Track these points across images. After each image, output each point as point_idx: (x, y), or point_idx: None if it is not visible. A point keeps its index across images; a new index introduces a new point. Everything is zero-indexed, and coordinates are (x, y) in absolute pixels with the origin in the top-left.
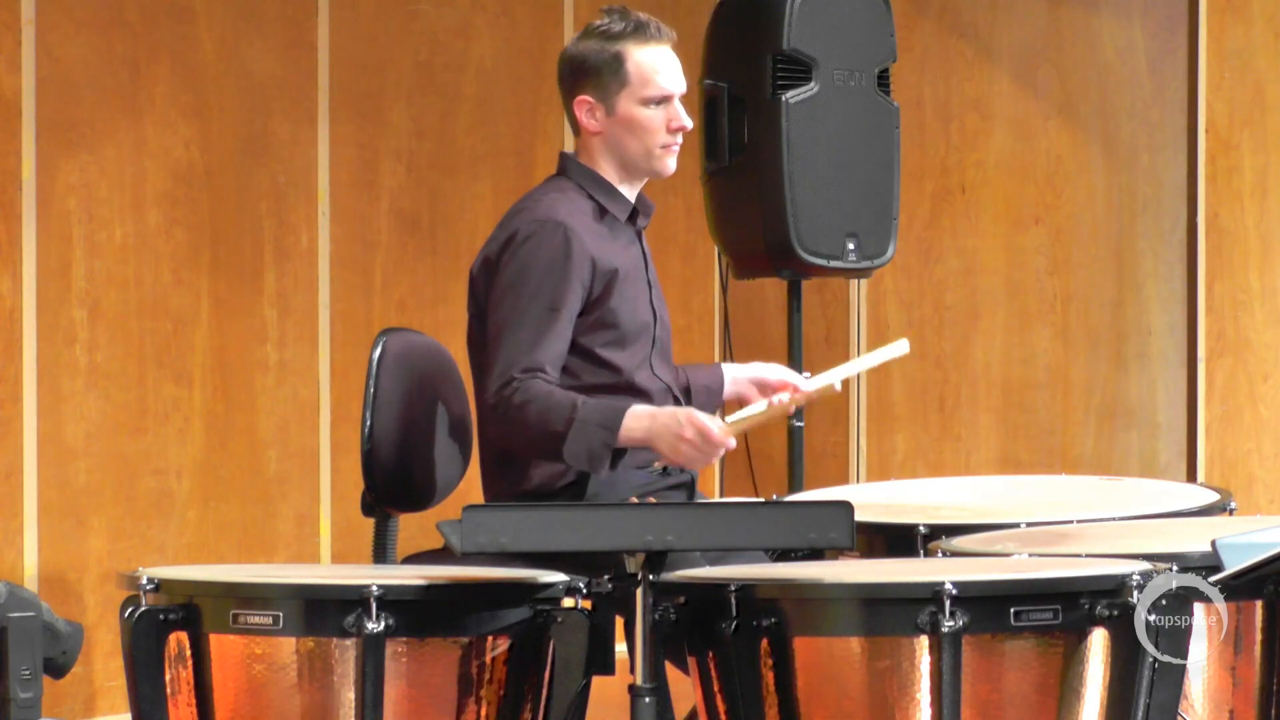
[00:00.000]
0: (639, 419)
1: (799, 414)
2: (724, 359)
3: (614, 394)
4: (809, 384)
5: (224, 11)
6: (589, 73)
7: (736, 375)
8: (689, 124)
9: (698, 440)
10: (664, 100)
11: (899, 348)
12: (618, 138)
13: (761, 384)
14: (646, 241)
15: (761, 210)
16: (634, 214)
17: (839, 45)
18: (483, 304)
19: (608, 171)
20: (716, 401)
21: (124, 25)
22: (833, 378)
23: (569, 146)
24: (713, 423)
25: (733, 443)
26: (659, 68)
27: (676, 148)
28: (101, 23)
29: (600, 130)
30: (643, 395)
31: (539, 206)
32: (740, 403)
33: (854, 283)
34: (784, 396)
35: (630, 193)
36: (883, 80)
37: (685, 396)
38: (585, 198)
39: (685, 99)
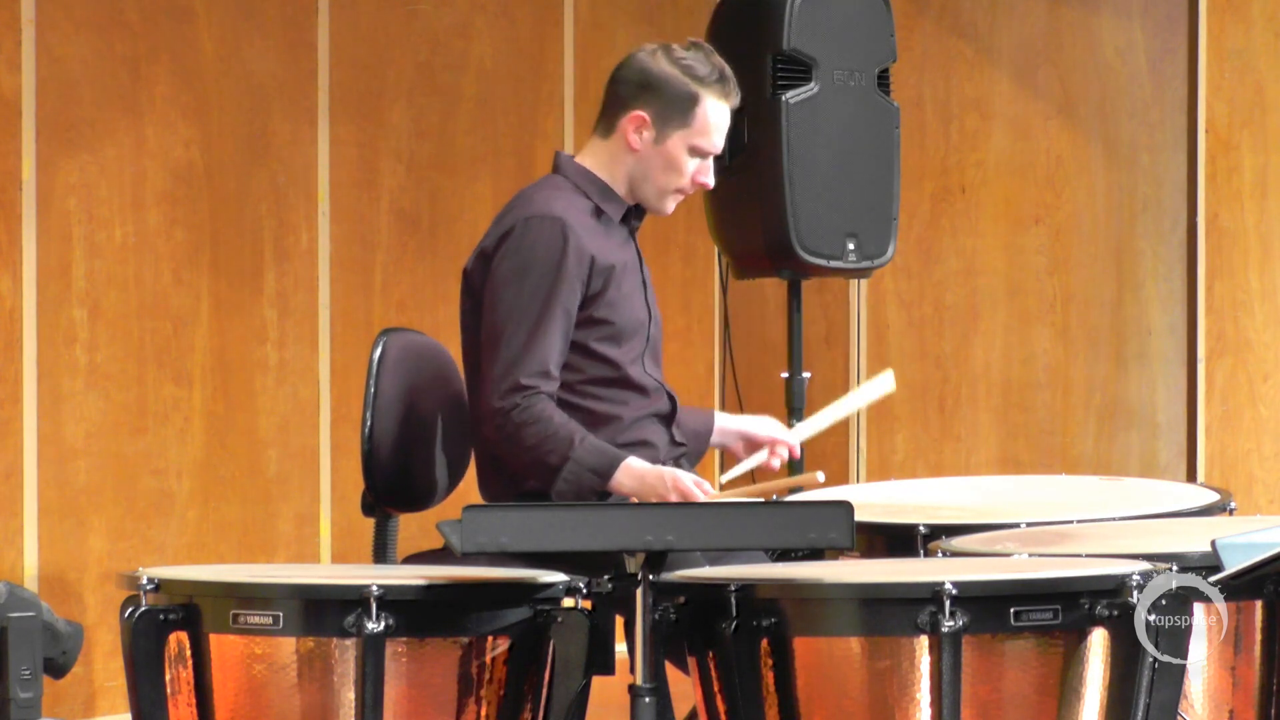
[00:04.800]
0: (630, 474)
1: (799, 414)
2: (724, 359)
3: (610, 387)
4: (795, 434)
5: (224, 11)
6: (659, 96)
7: (725, 426)
8: (710, 185)
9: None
10: (706, 155)
11: (885, 382)
12: (649, 166)
13: (749, 439)
14: (639, 242)
15: (761, 210)
16: (627, 215)
17: (839, 45)
18: (478, 299)
19: (613, 180)
20: (701, 449)
21: (124, 25)
22: (820, 423)
23: (568, 147)
24: (698, 488)
25: None
26: (720, 126)
27: (684, 198)
28: (101, 23)
29: (638, 150)
30: (638, 390)
31: (534, 202)
32: (727, 454)
33: (854, 283)
34: (774, 461)
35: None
36: (883, 80)
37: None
38: (581, 196)
39: None
